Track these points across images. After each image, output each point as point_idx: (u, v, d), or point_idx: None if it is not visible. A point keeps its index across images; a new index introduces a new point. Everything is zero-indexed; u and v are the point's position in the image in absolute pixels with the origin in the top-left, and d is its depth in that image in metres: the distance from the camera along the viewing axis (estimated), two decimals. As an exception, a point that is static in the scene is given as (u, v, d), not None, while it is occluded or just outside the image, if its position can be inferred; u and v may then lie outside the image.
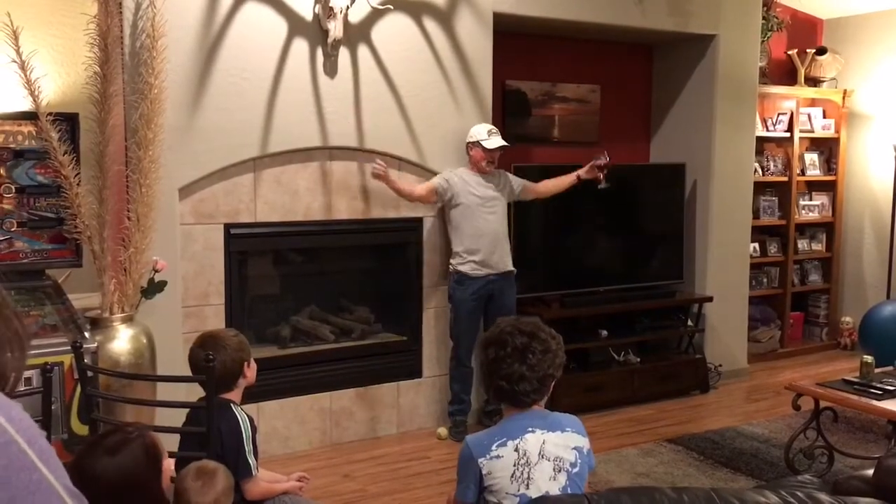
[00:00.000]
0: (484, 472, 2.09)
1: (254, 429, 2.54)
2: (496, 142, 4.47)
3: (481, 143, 4.47)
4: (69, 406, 2.86)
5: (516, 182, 4.71)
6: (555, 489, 2.08)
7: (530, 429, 2.13)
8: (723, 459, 4.33)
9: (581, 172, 4.73)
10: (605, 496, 1.74)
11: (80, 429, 2.80)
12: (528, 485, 2.07)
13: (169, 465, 1.96)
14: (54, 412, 2.70)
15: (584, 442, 2.19)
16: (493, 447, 2.10)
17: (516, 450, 2.09)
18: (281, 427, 4.37)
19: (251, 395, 4.23)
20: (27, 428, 0.73)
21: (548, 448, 2.11)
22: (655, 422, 4.96)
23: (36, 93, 3.39)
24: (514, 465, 2.08)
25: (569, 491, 2.09)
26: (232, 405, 2.54)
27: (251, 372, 2.64)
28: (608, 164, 4.63)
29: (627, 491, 1.76)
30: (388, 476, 4.11)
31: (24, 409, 0.75)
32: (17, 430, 0.72)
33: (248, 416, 2.55)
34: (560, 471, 2.10)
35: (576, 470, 2.13)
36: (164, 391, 3.51)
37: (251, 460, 2.48)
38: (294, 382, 4.44)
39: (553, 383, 2.21)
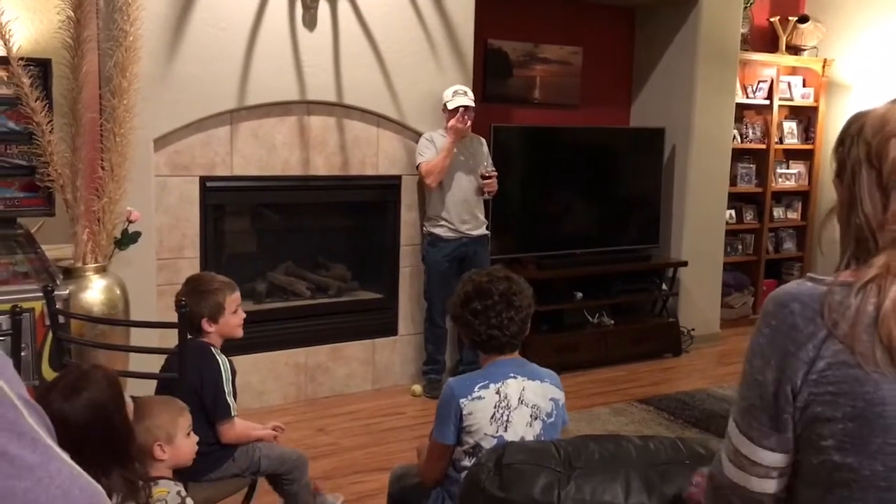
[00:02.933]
0: (465, 412, 2.12)
1: (233, 372, 2.56)
2: (457, 101, 4.42)
3: (447, 105, 4.44)
4: (40, 352, 2.84)
5: (487, 159, 4.66)
6: (530, 435, 2.12)
7: (512, 374, 2.16)
8: (692, 420, 4.39)
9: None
10: (573, 442, 1.76)
11: (52, 375, 2.79)
12: (506, 427, 2.11)
13: (129, 402, 1.94)
14: (24, 358, 2.68)
15: (560, 395, 2.22)
16: (476, 389, 2.13)
17: (497, 392, 2.12)
18: (256, 381, 4.38)
19: (225, 349, 4.23)
20: None
21: (527, 395, 2.14)
22: (627, 383, 5.03)
23: (7, 37, 3.31)
24: (495, 408, 2.11)
25: (542, 439, 2.12)
26: (212, 348, 2.56)
27: (226, 323, 2.61)
28: (493, 174, 4.54)
29: (594, 438, 1.79)
30: (361, 431, 4.14)
31: None
32: None
33: (228, 360, 2.56)
34: (536, 418, 2.14)
35: (551, 420, 2.17)
36: (138, 339, 3.50)
37: (230, 401, 2.50)
38: (270, 337, 4.44)
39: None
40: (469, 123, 4.46)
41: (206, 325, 2.57)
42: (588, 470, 1.67)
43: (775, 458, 1.08)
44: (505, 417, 2.11)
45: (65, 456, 0.71)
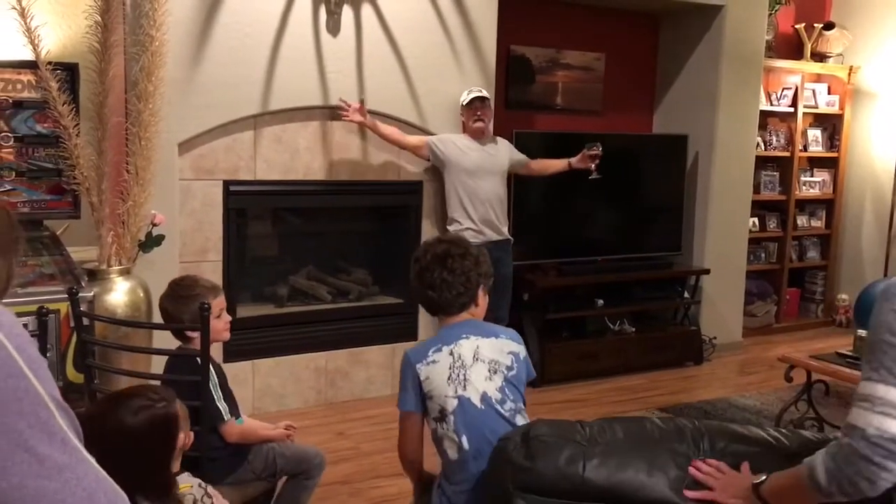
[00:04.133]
0: (422, 377, 2.17)
1: (221, 376, 2.55)
2: (469, 96, 4.46)
3: (462, 103, 4.48)
4: (65, 354, 2.87)
5: (515, 153, 4.69)
6: (492, 388, 2.16)
7: (464, 335, 2.21)
8: (713, 429, 4.35)
9: (573, 161, 4.63)
10: (598, 422, 1.79)
11: (76, 377, 2.82)
12: (465, 386, 2.15)
13: (182, 438, 1.95)
14: (49, 359, 2.71)
15: (519, 349, 2.26)
16: (430, 353, 2.19)
17: (451, 354, 2.17)
18: (276, 385, 4.40)
19: (246, 353, 4.27)
20: (17, 335, 0.71)
21: (482, 352, 2.19)
22: (648, 391, 5.00)
23: (36, 41, 3.36)
24: (450, 368, 2.16)
25: (506, 391, 2.17)
26: (195, 357, 2.56)
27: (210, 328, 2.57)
28: (600, 155, 4.55)
29: (619, 420, 1.82)
30: (381, 435, 4.13)
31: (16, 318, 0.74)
32: (7, 336, 0.70)
33: (214, 364, 2.54)
34: (496, 372, 2.18)
35: (512, 373, 2.20)
36: (161, 341, 3.52)
37: (220, 405, 2.49)
38: (290, 341, 4.46)
39: (481, 291, 2.28)
40: (487, 120, 4.50)
41: (189, 332, 2.56)
42: (612, 446, 1.69)
43: None
44: (462, 377, 2.15)
45: (91, 459, 0.73)
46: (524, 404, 2.23)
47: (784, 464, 1.58)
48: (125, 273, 3.57)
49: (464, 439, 2.13)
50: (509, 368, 2.20)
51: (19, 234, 0.82)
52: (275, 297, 4.59)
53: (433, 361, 2.17)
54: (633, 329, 5.41)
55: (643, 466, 1.65)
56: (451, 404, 2.13)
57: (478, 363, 2.17)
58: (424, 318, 4.80)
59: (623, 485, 1.64)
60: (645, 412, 4.56)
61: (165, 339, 3.49)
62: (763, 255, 6.53)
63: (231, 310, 4.22)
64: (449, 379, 2.14)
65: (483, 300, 2.30)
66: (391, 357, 4.73)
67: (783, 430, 1.79)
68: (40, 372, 0.72)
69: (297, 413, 4.33)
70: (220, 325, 2.62)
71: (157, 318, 3.61)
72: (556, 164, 4.73)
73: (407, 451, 2.29)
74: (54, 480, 0.69)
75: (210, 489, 2.06)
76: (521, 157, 4.71)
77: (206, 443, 2.43)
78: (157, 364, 3.40)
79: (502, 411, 2.14)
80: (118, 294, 3.49)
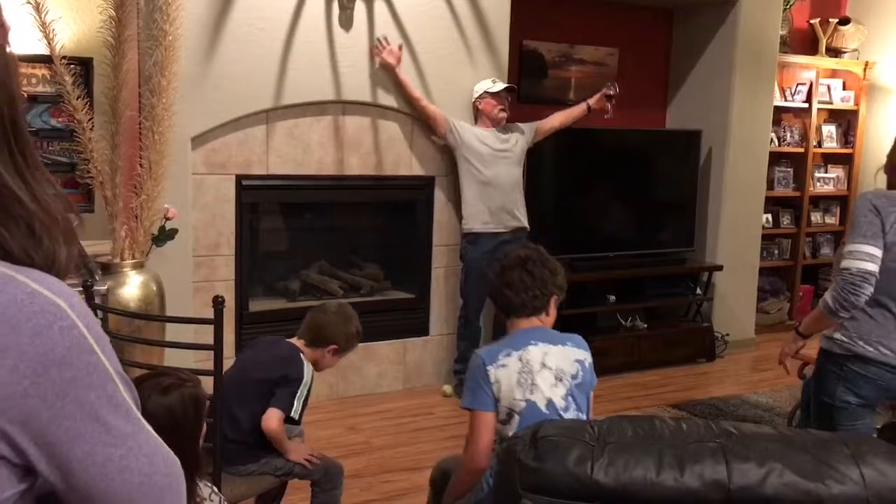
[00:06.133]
0: (492, 379, 2.22)
1: (310, 388, 2.67)
2: (502, 84, 4.50)
3: (488, 91, 4.47)
4: (79, 346, 2.89)
5: (527, 128, 4.71)
6: (558, 396, 2.22)
7: (533, 342, 2.27)
8: (726, 426, 4.34)
9: (591, 102, 4.82)
10: (607, 421, 1.79)
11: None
12: (532, 391, 2.21)
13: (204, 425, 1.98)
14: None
15: (585, 356, 2.33)
16: (500, 357, 2.24)
17: (520, 359, 2.24)
18: (288, 379, 4.41)
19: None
20: (85, 314, 0.80)
21: (549, 359, 2.26)
22: (660, 387, 4.98)
23: (50, 36, 3.38)
24: (519, 373, 2.22)
25: (571, 398, 2.24)
26: (303, 356, 2.68)
27: (325, 357, 2.78)
28: (617, 94, 4.71)
29: (629, 418, 1.81)
30: (392, 430, 4.15)
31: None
32: (78, 316, 0.78)
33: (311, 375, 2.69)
34: (561, 380, 2.24)
35: (577, 381, 2.27)
36: (173, 335, 3.54)
37: (296, 403, 2.59)
38: (302, 336, 4.47)
39: (556, 301, 2.36)
40: (508, 111, 4.56)
41: (327, 353, 2.77)
42: (621, 445, 1.69)
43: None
44: (529, 381, 2.21)
45: (149, 427, 0.84)
46: (589, 410, 2.31)
47: (799, 454, 1.62)
48: (138, 267, 3.59)
49: None
50: (574, 377, 2.26)
51: (79, 220, 0.91)
52: (287, 292, 4.60)
53: (503, 365, 2.22)
54: (645, 325, 5.39)
55: (652, 465, 1.64)
56: (519, 407, 2.20)
57: (544, 370, 2.23)
58: (436, 314, 4.81)
59: (632, 484, 1.63)
60: (656, 409, 4.55)
61: (178, 332, 3.51)
62: (776, 251, 6.49)
63: (243, 304, 4.28)
64: (518, 383, 2.21)
65: (553, 311, 2.38)
66: (402, 352, 4.73)
67: (795, 429, 1.79)
68: (106, 348, 0.81)
69: (310, 407, 4.29)
70: (331, 363, 2.82)
71: (171, 310, 3.65)
72: (575, 111, 4.85)
73: (480, 454, 2.21)
74: (119, 448, 0.79)
75: (222, 497, 2.09)
76: (532, 126, 4.73)
77: (250, 427, 2.52)
78: (170, 356, 3.43)
79: (565, 417, 2.22)
80: (131, 287, 3.51)
